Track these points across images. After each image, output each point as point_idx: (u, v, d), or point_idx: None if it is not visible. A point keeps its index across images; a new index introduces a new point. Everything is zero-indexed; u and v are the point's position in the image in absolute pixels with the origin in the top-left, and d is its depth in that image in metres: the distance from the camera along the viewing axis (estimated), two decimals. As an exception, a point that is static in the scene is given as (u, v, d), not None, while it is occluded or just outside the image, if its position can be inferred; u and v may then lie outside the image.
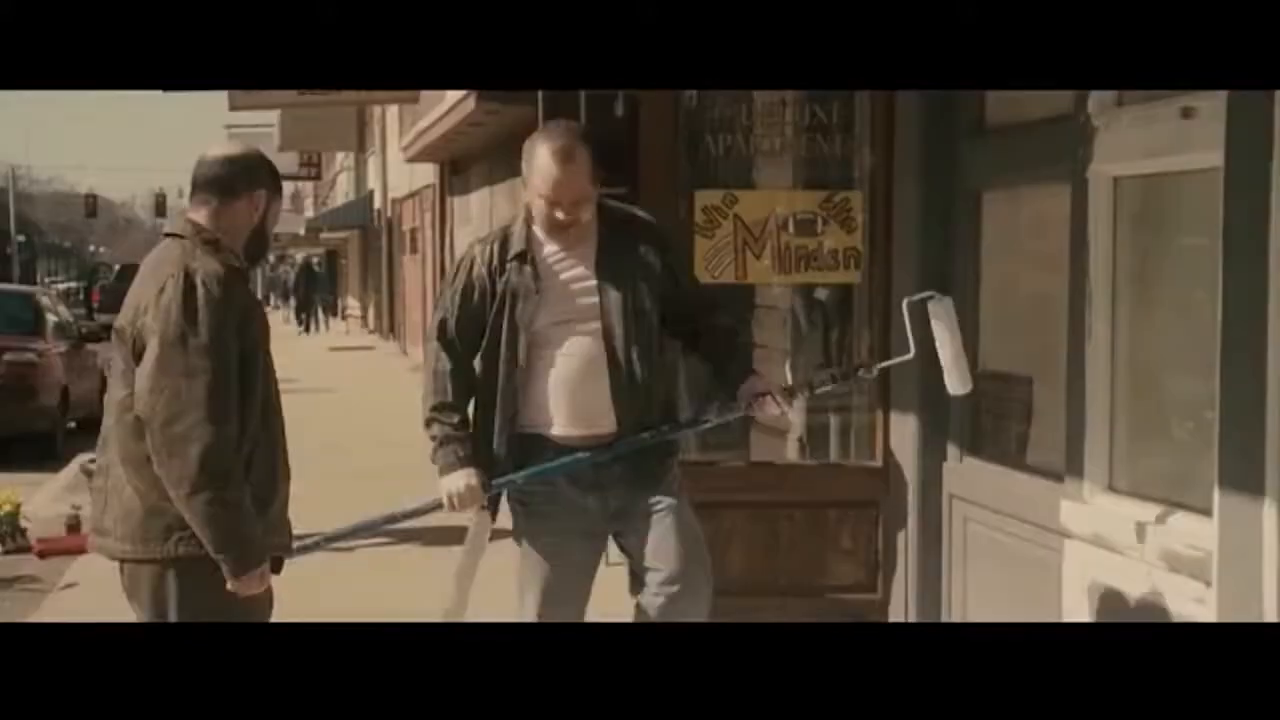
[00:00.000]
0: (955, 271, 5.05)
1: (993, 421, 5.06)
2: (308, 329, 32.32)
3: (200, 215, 3.30)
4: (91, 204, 68.57)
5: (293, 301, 34.90)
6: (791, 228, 5.36)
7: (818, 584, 5.42)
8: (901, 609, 5.29)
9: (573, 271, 3.77)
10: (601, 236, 3.80)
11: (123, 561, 3.26)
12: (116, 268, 42.89)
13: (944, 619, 5.12)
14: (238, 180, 3.32)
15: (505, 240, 3.79)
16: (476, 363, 3.82)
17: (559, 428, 3.77)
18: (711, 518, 5.40)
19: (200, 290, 3.10)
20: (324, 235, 41.90)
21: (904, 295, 5.20)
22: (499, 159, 14.67)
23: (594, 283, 3.76)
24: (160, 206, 69.10)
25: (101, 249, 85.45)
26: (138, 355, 3.15)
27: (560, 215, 3.70)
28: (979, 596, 4.94)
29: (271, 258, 60.22)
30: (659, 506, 3.80)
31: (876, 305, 5.44)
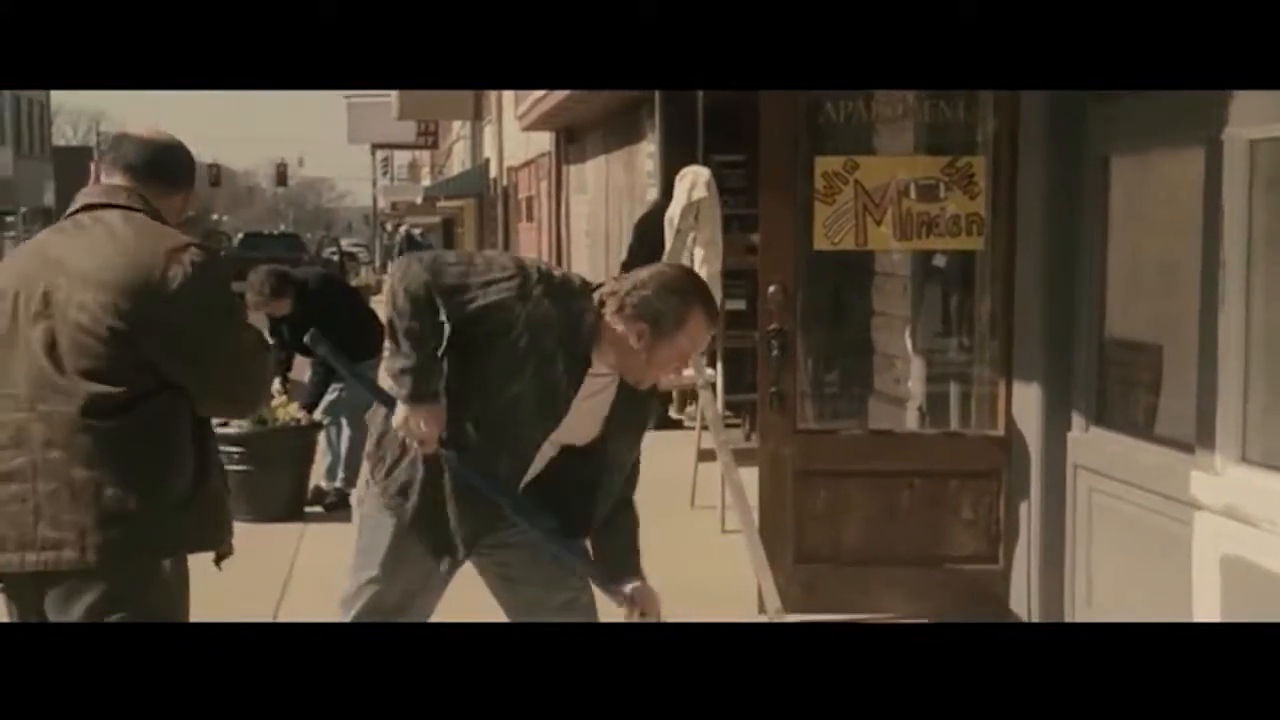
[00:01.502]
0: (1082, 237, 4.95)
1: (1120, 390, 4.96)
2: None
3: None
4: (216, 174, 69.87)
5: None
6: (913, 193, 5.30)
7: (937, 554, 5.37)
8: (1023, 580, 5.22)
9: (592, 402, 3.29)
10: (621, 389, 3.33)
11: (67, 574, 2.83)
12: (240, 235, 43.75)
13: (1067, 591, 5.05)
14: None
15: (574, 321, 3.19)
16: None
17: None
18: (831, 486, 5.40)
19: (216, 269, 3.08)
20: (440, 204, 42.27)
21: (1029, 261, 5.14)
22: (614, 127, 14.67)
23: (601, 430, 3.33)
24: (281, 176, 70.33)
25: (224, 218, 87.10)
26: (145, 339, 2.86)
27: (659, 376, 3.32)
28: (1103, 569, 4.85)
29: (389, 226, 60.95)
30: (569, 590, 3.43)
31: (999, 272, 5.36)
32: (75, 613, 2.83)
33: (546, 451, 3.33)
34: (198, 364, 2.88)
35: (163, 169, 3.07)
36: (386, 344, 3.28)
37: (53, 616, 2.87)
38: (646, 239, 12.49)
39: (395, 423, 3.28)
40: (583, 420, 3.28)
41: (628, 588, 3.33)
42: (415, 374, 3.19)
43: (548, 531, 3.31)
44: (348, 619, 3.47)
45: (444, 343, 3.17)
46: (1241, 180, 4.05)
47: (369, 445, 3.51)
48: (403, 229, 42.45)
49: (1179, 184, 4.47)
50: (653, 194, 12.01)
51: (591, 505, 3.35)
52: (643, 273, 3.27)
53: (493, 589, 3.54)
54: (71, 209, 3.01)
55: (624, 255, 11.91)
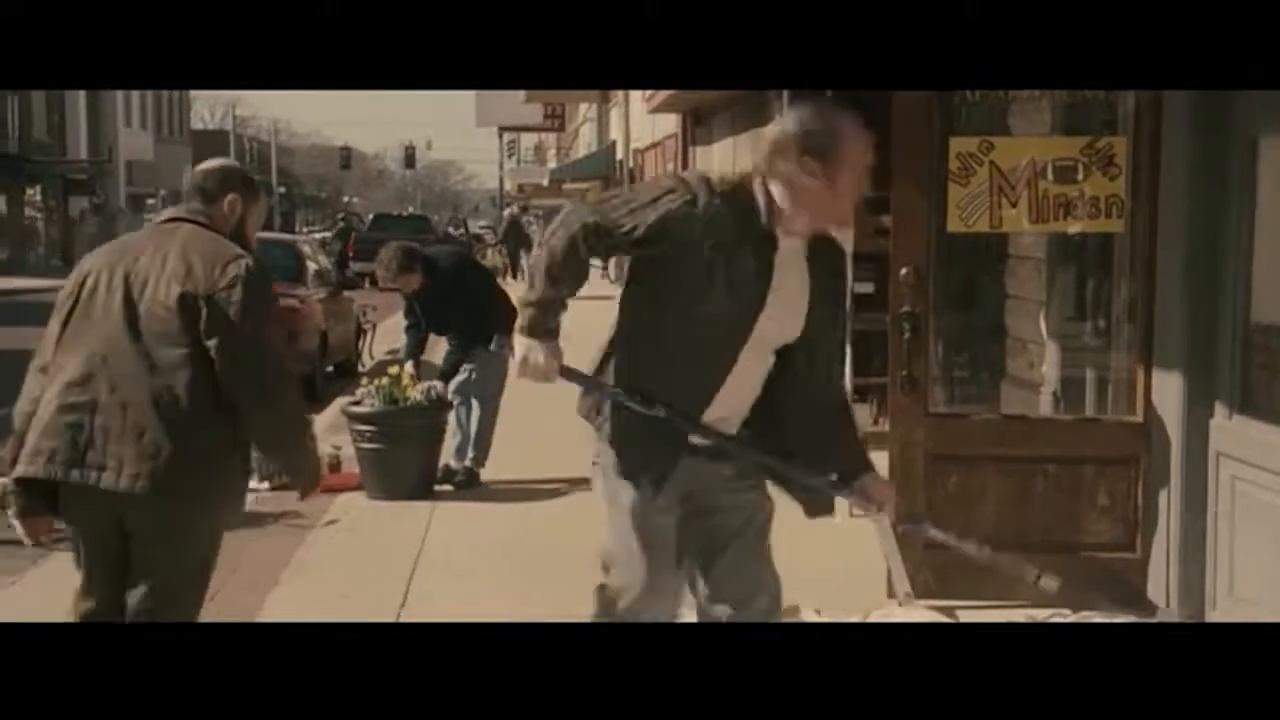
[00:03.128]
0: (1227, 221, 4.81)
1: (1266, 377, 4.82)
2: (514, 276, 32.99)
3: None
4: (346, 156, 71.12)
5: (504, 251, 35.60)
6: (1050, 175, 5.19)
7: (1073, 541, 5.27)
8: (1162, 570, 5.11)
9: (788, 288, 3.32)
10: (812, 262, 3.38)
11: (113, 493, 3.51)
12: (370, 217, 44.39)
13: (1208, 581, 4.92)
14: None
15: (747, 207, 3.25)
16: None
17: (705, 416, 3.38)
18: (963, 471, 5.33)
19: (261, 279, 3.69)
20: (566, 186, 42.52)
21: (1171, 245, 5.01)
22: (742, 109, 14.60)
23: (805, 302, 3.35)
24: (410, 158, 71.25)
25: (354, 199, 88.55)
26: (201, 321, 3.55)
27: (850, 203, 3.33)
28: (1246, 559, 4.73)
29: (515, 208, 61.46)
30: (748, 485, 3.46)
31: (1140, 255, 5.24)
32: (120, 528, 3.57)
33: (757, 368, 3.34)
34: (225, 348, 3.54)
35: (214, 188, 3.81)
36: (524, 281, 3.38)
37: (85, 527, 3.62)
38: None
39: (515, 357, 3.34)
40: (786, 311, 3.29)
41: (859, 483, 3.39)
42: (537, 308, 3.32)
43: (756, 461, 3.35)
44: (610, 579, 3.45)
45: (618, 270, 3.30)
46: (1399, 160, 3.91)
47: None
48: (507, 212, 42.81)
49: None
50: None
51: (808, 406, 3.38)
52: (775, 128, 3.31)
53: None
54: (156, 220, 3.82)
55: None
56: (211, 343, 3.53)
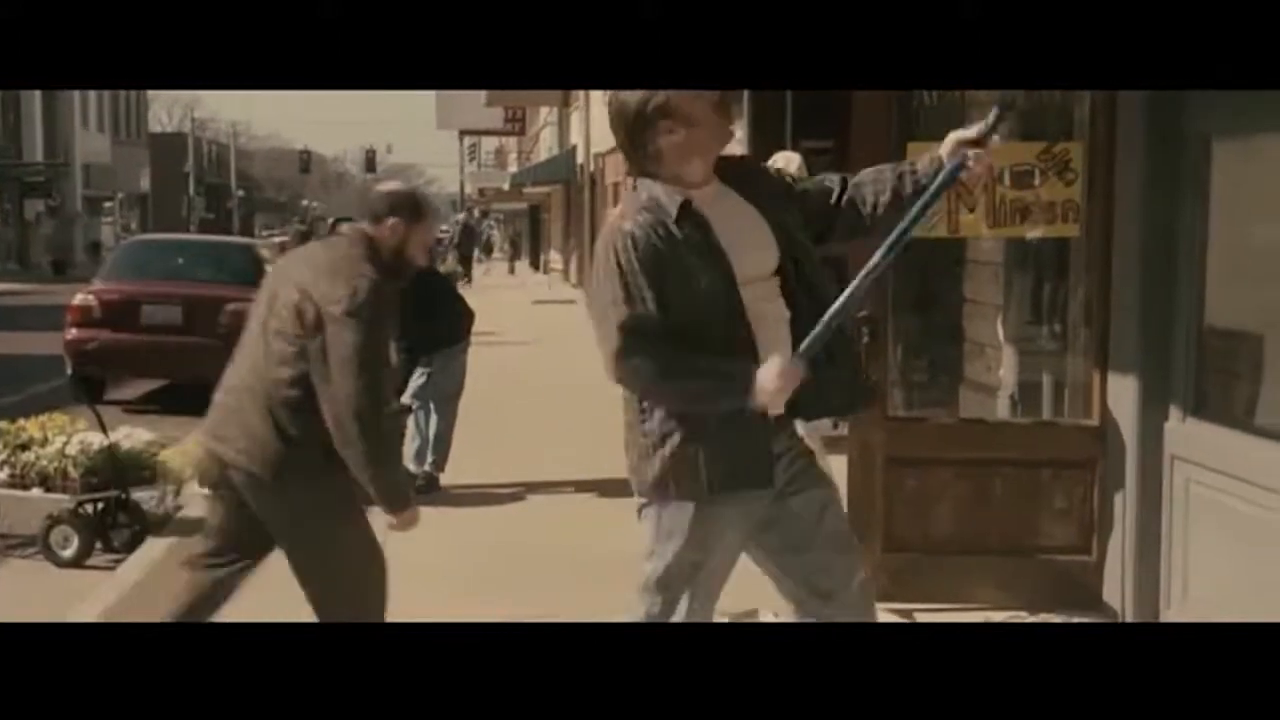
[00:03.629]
0: (1181, 223, 4.85)
1: (1219, 380, 4.86)
2: (469, 281, 32.98)
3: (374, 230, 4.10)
4: (305, 160, 70.84)
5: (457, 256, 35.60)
6: (1007, 180, 5.22)
7: (1030, 544, 5.30)
8: (1117, 572, 5.14)
9: (734, 216, 3.37)
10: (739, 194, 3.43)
11: (232, 467, 4.03)
12: (330, 221, 44.20)
13: (1162, 584, 4.96)
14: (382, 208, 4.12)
15: (654, 201, 3.31)
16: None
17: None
18: (921, 474, 5.35)
19: (378, 298, 3.89)
20: (527, 190, 42.49)
21: (1126, 248, 5.05)
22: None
23: (763, 221, 3.38)
24: (370, 162, 71.06)
25: (314, 203, 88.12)
26: (308, 327, 3.87)
27: (725, 128, 3.39)
28: (1201, 562, 4.76)
29: (476, 212, 61.19)
30: (816, 489, 3.45)
31: (1095, 259, 5.28)
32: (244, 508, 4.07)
33: (777, 311, 3.35)
34: (323, 359, 3.83)
35: (380, 210, 4.11)
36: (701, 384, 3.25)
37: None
38: None
39: (765, 394, 3.20)
40: (751, 243, 3.32)
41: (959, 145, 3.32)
42: (740, 371, 3.22)
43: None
44: (660, 603, 3.40)
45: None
46: (1349, 165, 3.95)
47: (648, 443, 3.38)
48: (460, 217, 42.75)
49: (1283, 170, 4.37)
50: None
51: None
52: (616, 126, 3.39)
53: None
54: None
55: None
56: (313, 349, 3.84)
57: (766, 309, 3.33)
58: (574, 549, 6.41)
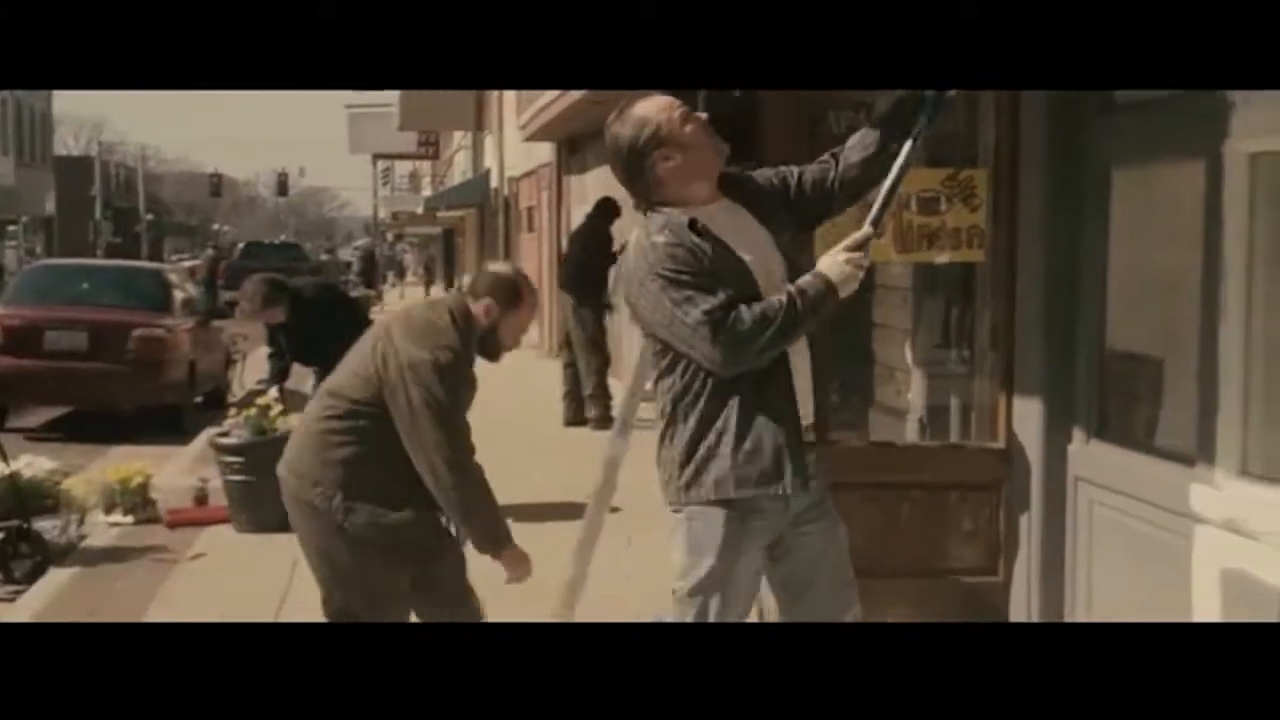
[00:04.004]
0: (1083, 250, 4.95)
1: (1121, 403, 4.95)
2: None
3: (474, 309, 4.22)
4: (216, 183, 69.99)
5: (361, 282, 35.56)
6: (914, 206, 5.29)
7: (937, 566, 5.36)
8: (1023, 593, 5.22)
9: (742, 230, 3.45)
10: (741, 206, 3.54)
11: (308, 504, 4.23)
12: (240, 245, 43.75)
13: (1067, 604, 5.04)
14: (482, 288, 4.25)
15: (679, 226, 3.36)
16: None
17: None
18: (831, 497, 5.38)
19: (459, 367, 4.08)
20: (441, 214, 42.32)
21: (1030, 273, 5.14)
22: (615, 137, 14.66)
23: (765, 232, 3.47)
24: (282, 185, 70.35)
25: (225, 227, 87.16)
26: (388, 387, 4.05)
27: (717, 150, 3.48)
28: (1104, 582, 4.85)
29: (390, 237, 60.75)
30: (826, 509, 3.56)
31: (1000, 284, 5.36)
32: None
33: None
34: (401, 419, 4.02)
35: (480, 289, 4.25)
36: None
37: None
38: (573, 252, 12.61)
39: (845, 277, 3.31)
40: (762, 253, 3.39)
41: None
42: (809, 285, 3.32)
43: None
44: (691, 614, 3.45)
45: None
46: (1242, 193, 4.05)
47: (677, 453, 3.44)
48: (362, 242, 42.64)
49: (1181, 196, 4.47)
50: (653, 205, 12.04)
51: None
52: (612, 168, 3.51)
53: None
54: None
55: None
56: (392, 408, 4.02)
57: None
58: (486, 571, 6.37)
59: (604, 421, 10.91)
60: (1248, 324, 4.06)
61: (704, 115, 3.45)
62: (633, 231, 3.53)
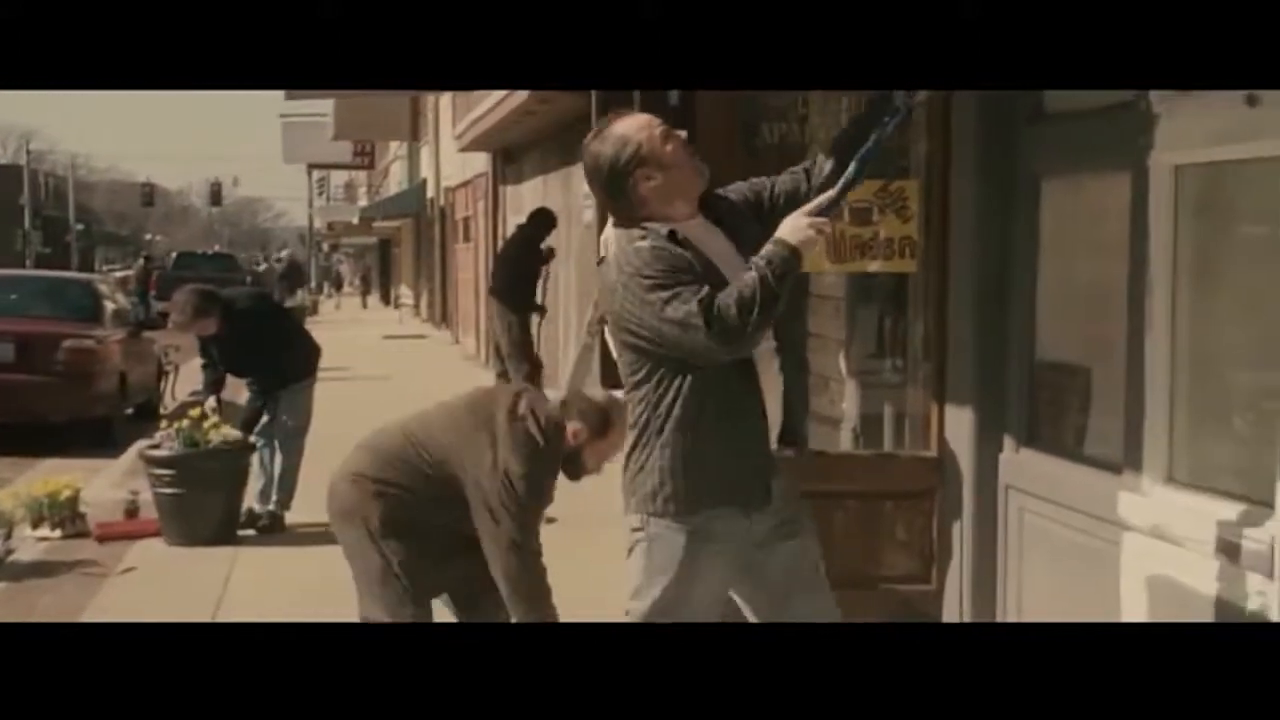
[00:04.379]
0: (1013, 260, 5.01)
1: (1050, 412, 5.01)
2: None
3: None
4: (148, 193, 69.28)
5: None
6: (847, 216, 5.32)
7: (871, 575, 5.39)
8: (955, 602, 5.26)
9: (718, 249, 3.44)
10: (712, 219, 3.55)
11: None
12: (173, 255, 43.32)
13: (999, 611, 5.09)
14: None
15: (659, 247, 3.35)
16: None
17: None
18: (803, 516, 5.40)
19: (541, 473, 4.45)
20: (376, 224, 42.11)
21: (961, 284, 5.19)
22: (552, 148, 14.67)
23: (734, 249, 3.44)
24: (215, 196, 69.75)
25: (157, 237, 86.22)
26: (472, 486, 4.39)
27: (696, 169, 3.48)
28: (1034, 589, 4.90)
29: (325, 247, 60.30)
30: (796, 528, 3.55)
31: (932, 294, 5.41)
32: None
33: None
34: (480, 516, 4.38)
35: (571, 412, 4.48)
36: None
37: None
38: (505, 261, 12.56)
39: (806, 240, 3.27)
40: (736, 270, 3.33)
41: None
42: (773, 255, 3.27)
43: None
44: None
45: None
46: (1167, 205, 4.12)
47: (646, 462, 3.42)
48: (284, 252, 42.38)
49: (1109, 207, 4.54)
50: (589, 215, 12.03)
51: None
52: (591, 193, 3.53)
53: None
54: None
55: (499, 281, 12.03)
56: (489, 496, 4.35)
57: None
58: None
59: None
60: (1173, 334, 4.12)
61: (684, 134, 3.43)
62: (610, 245, 3.52)
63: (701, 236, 3.39)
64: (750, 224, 3.52)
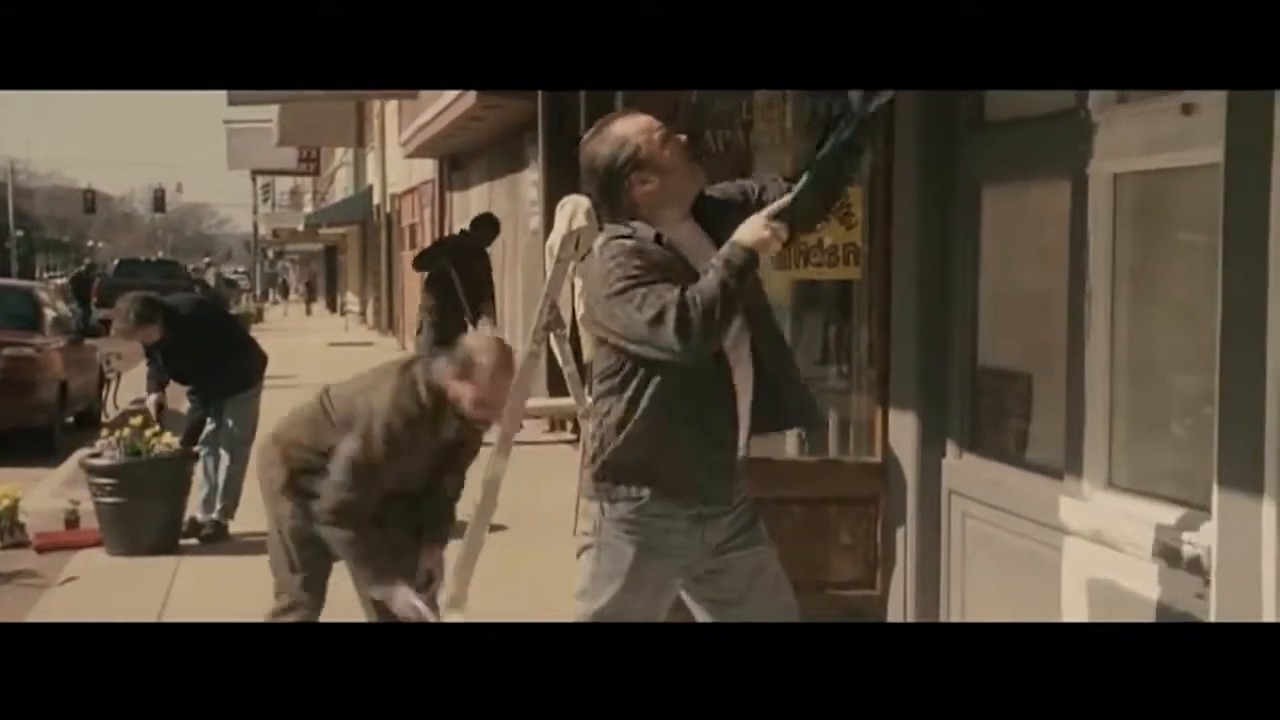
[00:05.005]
0: (955, 267, 5.05)
1: (992, 417, 5.06)
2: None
3: None
4: (90, 199, 68.47)
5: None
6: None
7: (816, 580, 5.40)
8: (900, 606, 5.29)
9: (702, 251, 3.41)
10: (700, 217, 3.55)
11: None
12: (115, 262, 42.91)
13: (942, 616, 5.12)
14: None
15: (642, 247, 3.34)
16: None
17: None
18: (760, 525, 5.42)
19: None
20: (323, 231, 41.87)
21: (904, 290, 5.23)
22: (498, 155, 14.65)
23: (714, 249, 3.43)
24: (159, 202, 69.07)
25: (100, 244, 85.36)
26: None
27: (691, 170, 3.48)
28: (977, 593, 4.94)
29: (270, 254, 59.87)
30: (754, 536, 3.54)
31: (876, 301, 5.45)
32: None
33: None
34: None
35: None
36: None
37: None
38: (441, 264, 12.38)
39: (762, 242, 3.25)
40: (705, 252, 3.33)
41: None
42: (731, 255, 3.25)
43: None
44: None
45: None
46: (1106, 213, 4.16)
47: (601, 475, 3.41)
48: (210, 266, 42.15)
49: (1049, 215, 4.58)
50: (535, 221, 12.02)
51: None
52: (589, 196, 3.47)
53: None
54: None
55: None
56: None
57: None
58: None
59: None
60: (1112, 340, 4.17)
61: (683, 138, 3.42)
62: (595, 242, 3.49)
63: (687, 241, 3.38)
64: (735, 224, 3.44)
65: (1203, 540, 3.57)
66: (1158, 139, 3.88)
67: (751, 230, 3.28)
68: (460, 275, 11.55)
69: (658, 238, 3.34)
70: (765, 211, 3.32)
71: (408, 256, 24.31)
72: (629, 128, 3.38)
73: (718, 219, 3.48)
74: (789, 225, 3.31)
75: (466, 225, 13.15)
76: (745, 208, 3.55)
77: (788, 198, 3.34)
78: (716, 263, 3.25)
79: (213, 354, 7.92)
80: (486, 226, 12.24)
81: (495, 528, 4.54)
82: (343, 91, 10.73)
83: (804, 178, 3.36)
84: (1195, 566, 3.60)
